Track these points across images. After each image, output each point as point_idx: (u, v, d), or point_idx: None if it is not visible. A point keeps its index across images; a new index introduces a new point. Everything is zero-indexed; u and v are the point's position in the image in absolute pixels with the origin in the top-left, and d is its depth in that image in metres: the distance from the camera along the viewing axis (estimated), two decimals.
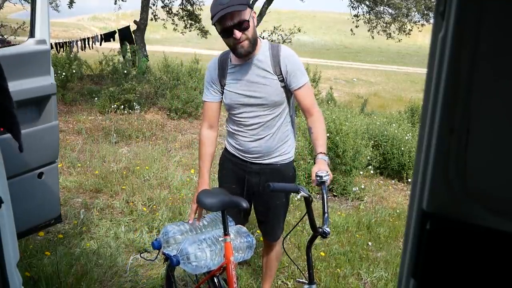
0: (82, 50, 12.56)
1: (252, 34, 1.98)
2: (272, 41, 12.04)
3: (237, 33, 1.93)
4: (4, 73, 1.36)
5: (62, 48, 11.97)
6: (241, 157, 2.24)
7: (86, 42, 12.88)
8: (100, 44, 12.89)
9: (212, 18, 1.92)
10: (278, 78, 2.07)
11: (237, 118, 2.18)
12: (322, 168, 1.88)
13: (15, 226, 1.49)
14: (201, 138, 2.24)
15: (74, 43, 12.52)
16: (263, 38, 11.69)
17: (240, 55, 2.03)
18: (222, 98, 2.18)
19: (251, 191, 2.28)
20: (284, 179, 2.19)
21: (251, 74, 2.07)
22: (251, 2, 2.00)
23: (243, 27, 1.93)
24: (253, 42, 2.01)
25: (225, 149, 2.34)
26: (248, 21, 1.94)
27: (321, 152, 1.98)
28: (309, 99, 2.11)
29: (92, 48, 12.65)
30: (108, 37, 13.01)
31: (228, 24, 1.92)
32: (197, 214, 2.12)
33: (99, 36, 13.15)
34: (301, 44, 27.63)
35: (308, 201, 1.82)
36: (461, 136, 0.54)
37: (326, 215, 1.82)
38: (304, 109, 2.12)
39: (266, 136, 2.15)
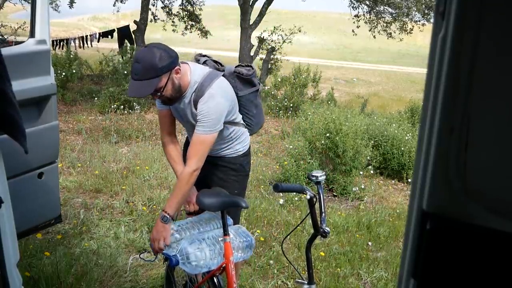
0: (80, 48, 12.50)
1: (171, 92, 2.00)
2: (272, 41, 11.99)
3: (154, 96, 2.01)
4: (9, 76, 1.33)
5: (58, 46, 11.92)
6: None
7: (84, 40, 12.84)
8: (98, 41, 12.85)
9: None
10: None
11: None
12: (153, 231, 2.00)
13: (15, 226, 1.49)
14: (166, 146, 2.24)
15: (72, 40, 12.49)
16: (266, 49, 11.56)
17: (164, 104, 2.14)
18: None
19: (204, 179, 2.25)
20: (231, 169, 2.31)
21: (183, 109, 2.15)
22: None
23: (157, 94, 1.98)
24: (174, 96, 2.04)
25: None
26: (164, 86, 1.94)
27: (164, 210, 2.00)
28: (192, 150, 2.06)
29: (91, 46, 12.62)
30: (106, 34, 12.96)
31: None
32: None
33: (97, 34, 13.10)
34: (301, 44, 27.56)
35: (312, 202, 1.83)
36: (461, 136, 0.54)
37: (323, 214, 1.83)
38: (186, 156, 2.12)
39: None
